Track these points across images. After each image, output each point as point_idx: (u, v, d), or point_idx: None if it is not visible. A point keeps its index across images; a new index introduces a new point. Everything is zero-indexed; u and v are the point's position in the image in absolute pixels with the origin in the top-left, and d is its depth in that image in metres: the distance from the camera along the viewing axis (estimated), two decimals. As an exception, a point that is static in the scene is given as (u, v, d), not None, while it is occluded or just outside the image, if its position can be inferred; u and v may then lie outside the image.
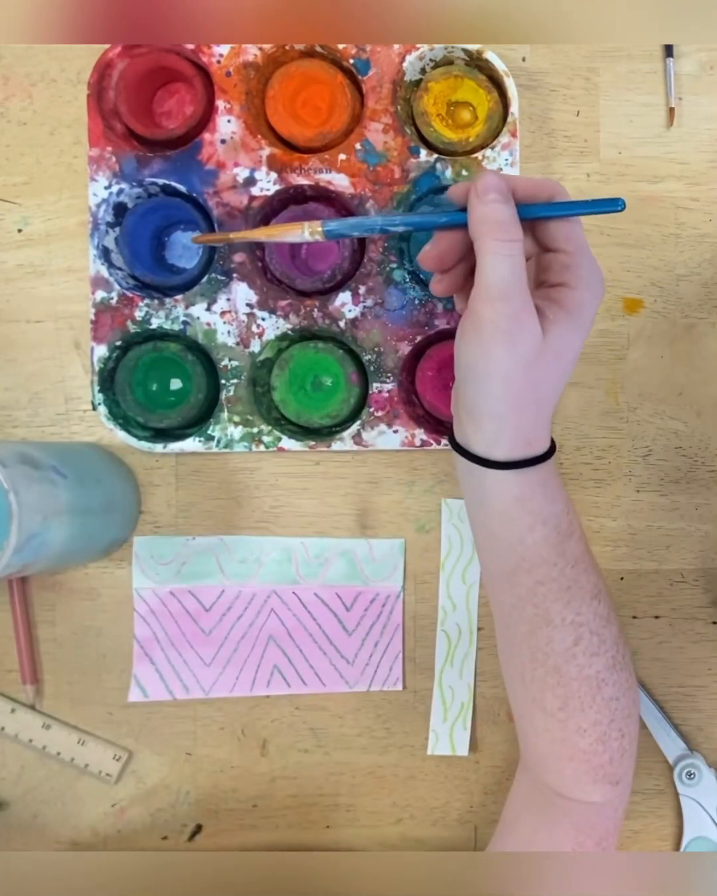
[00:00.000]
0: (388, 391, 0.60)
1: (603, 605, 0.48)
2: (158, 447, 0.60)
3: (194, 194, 0.60)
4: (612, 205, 0.45)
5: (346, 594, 0.62)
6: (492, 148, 0.59)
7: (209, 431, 0.60)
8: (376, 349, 0.60)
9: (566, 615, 0.47)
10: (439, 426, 0.61)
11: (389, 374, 0.60)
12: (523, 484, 0.46)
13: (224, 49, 0.59)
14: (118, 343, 0.60)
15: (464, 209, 0.45)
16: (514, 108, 0.59)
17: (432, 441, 0.60)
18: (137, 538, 0.62)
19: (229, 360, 0.60)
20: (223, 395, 0.60)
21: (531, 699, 0.49)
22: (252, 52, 0.59)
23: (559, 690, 0.48)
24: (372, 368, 0.60)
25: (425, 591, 0.62)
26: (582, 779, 0.48)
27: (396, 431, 0.60)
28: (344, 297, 0.60)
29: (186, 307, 0.60)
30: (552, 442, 0.47)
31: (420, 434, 0.60)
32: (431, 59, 0.60)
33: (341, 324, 0.60)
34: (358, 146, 0.60)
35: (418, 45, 0.59)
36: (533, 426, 0.45)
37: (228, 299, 0.60)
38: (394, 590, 0.62)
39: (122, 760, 0.62)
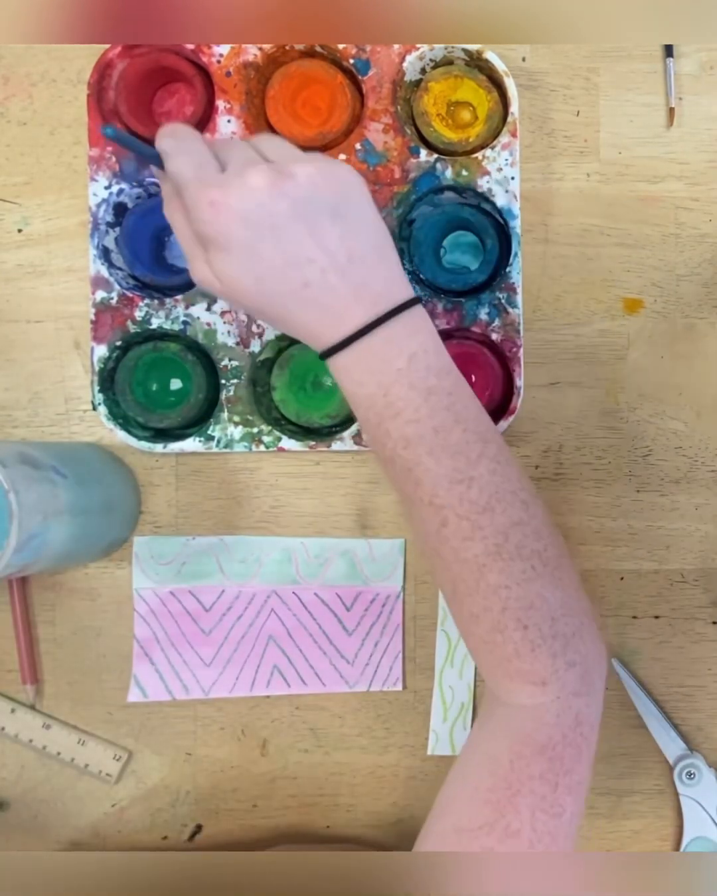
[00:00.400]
0: (388, 391, 0.60)
1: (475, 490, 0.46)
2: (158, 447, 0.60)
3: (194, 194, 0.60)
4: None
5: (346, 594, 0.62)
6: (492, 148, 0.59)
7: (209, 431, 0.60)
8: (376, 349, 0.60)
9: (421, 495, 0.47)
10: (439, 426, 0.61)
11: (389, 374, 0.60)
12: (332, 367, 0.48)
13: (224, 49, 0.59)
14: (118, 343, 0.60)
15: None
16: (514, 108, 0.59)
17: (432, 441, 0.59)
18: (136, 538, 0.62)
19: (229, 360, 0.60)
20: (223, 395, 0.60)
21: (437, 581, 0.49)
22: (252, 52, 0.59)
23: (445, 573, 0.47)
24: (372, 368, 0.60)
25: (426, 591, 0.62)
26: (496, 673, 0.47)
27: (396, 431, 0.60)
28: (344, 297, 0.60)
29: (186, 307, 0.60)
30: (351, 336, 0.46)
31: (420, 434, 0.59)
32: (431, 59, 0.60)
33: (341, 324, 0.60)
34: (358, 146, 0.60)
35: (418, 45, 0.59)
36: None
37: (228, 299, 0.60)
38: (394, 590, 0.62)
39: (122, 760, 0.62)
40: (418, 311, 0.48)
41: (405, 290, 0.48)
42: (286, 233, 0.45)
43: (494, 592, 0.46)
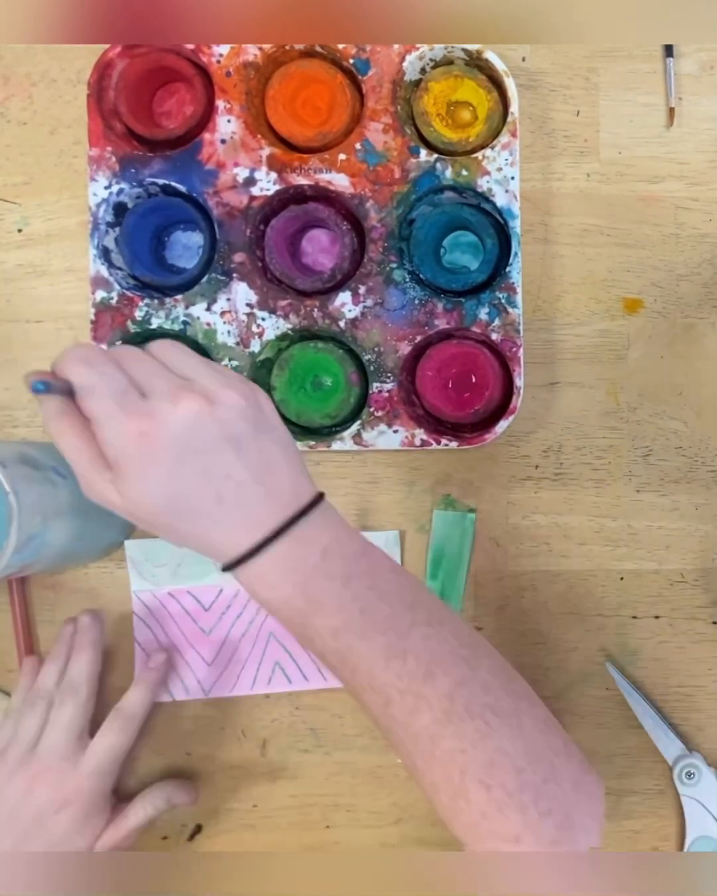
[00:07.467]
0: (388, 391, 0.60)
1: (411, 661, 0.45)
2: (158, 447, 0.60)
3: (194, 194, 0.60)
4: None
5: None
6: (492, 148, 0.59)
7: (209, 431, 0.60)
8: (376, 349, 0.60)
9: (360, 681, 0.45)
10: (439, 426, 0.61)
11: (389, 374, 0.60)
12: (239, 578, 0.46)
13: (224, 49, 0.59)
14: (118, 343, 0.60)
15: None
16: (514, 107, 0.59)
17: (431, 441, 0.60)
18: (128, 542, 0.62)
19: (229, 360, 0.60)
20: (223, 395, 0.60)
21: (400, 759, 0.47)
22: (252, 52, 0.59)
23: (401, 749, 0.46)
24: (372, 368, 0.60)
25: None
26: (467, 837, 0.45)
27: (396, 431, 0.60)
28: (344, 297, 0.60)
29: (186, 307, 0.60)
30: (261, 543, 0.45)
31: (420, 434, 0.60)
32: (431, 59, 0.60)
33: (341, 324, 0.60)
34: (358, 146, 0.60)
35: (418, 45, 0.59)
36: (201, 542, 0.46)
37: (228, 299, 0.60)
38: None
39: (121, 762, 0.62)
40: (326, 506, 0.46)
41: (311, 488, 0.47)
42: (214, 456, 0.43)
43: (450, 759, 0.44)
